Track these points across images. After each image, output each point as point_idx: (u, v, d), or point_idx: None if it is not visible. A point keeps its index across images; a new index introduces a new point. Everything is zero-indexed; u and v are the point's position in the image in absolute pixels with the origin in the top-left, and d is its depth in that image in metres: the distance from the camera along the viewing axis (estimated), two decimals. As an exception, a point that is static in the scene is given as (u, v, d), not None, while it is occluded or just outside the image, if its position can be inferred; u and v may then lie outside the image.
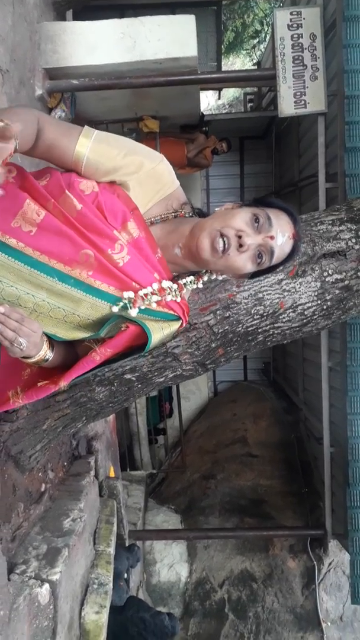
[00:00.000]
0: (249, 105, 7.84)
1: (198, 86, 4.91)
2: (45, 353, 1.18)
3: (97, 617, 2.46)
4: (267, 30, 11.93)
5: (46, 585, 1.97)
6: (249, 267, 1.15)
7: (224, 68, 10.58)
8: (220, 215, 1.15)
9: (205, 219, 1.18)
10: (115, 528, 3.21)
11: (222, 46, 9.75)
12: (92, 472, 3.09)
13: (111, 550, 2.94)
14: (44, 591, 1.95)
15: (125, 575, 3.76)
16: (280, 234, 1.14)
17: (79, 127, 1.17)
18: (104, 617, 2.48)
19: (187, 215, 1.24)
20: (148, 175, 1.17)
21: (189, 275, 1.28)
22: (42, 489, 2.47)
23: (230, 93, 12.70)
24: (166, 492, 6.20)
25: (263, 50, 11.24)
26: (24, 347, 1.09)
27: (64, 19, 4.52)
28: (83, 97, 4.52)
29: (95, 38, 3.94)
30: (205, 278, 1.30)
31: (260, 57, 10.46)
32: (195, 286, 1.29)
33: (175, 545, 5.10)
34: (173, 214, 1.23)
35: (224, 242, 1.10)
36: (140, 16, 4.04)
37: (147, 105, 4.97)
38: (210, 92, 12.21)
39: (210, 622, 4.76)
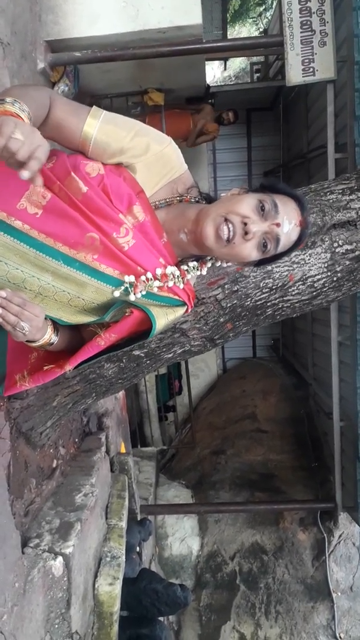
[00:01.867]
0: (255, 75, 7.67)
1: (203, 56, 4.77)
2: (49, 337, 1.19)
3: (111, 588, 2.51)
4: (274, -4, 11.56)
5: (60, 558, 2.00)
6: (254, 256, 1.13)
7: (229, 37, 10.30)
8: (226, 201, 1.12)
9: (210, 205, 1.16)
10: (126, 502, 3.25)
11: (228, 14, 9.49)
12: (103, 448, 3.12)
13: (123, 524, 2.99)
14: (57, 564, 1.99)
15: (138, 549, 3.83)
16: (287, 221, 1.11)
17: (88, 107, 1.14)
18: (117, 589, 2.53)
19: (192, 199, 1.22)
20: (156, 159, 1.14)
21: (193, 260, 1.27)
22: (54, 465, 2.49)
23: (236, 64, 12.41)
24: (177, 467, 6.27)
25: (269, 17, 10.93)
26: (27, 331, 1.09)
27: (64, -12, 4.40)
28: (86, 71, 4.42)
29: (97, 8, 3.83)
30: (209, 264, 1.29)
31: (267, 25, 10.18)
32: (198, 272, 1.27)
33: (187, 519, 5.17)
34: (178, 198, 1.21)
35: (229, 229, 1.07)
36: (142, -17, 3.91)
37: (152, 78, 4.86)
38: (216, 63, 11.95)
39: (222, 593, 4.85)
